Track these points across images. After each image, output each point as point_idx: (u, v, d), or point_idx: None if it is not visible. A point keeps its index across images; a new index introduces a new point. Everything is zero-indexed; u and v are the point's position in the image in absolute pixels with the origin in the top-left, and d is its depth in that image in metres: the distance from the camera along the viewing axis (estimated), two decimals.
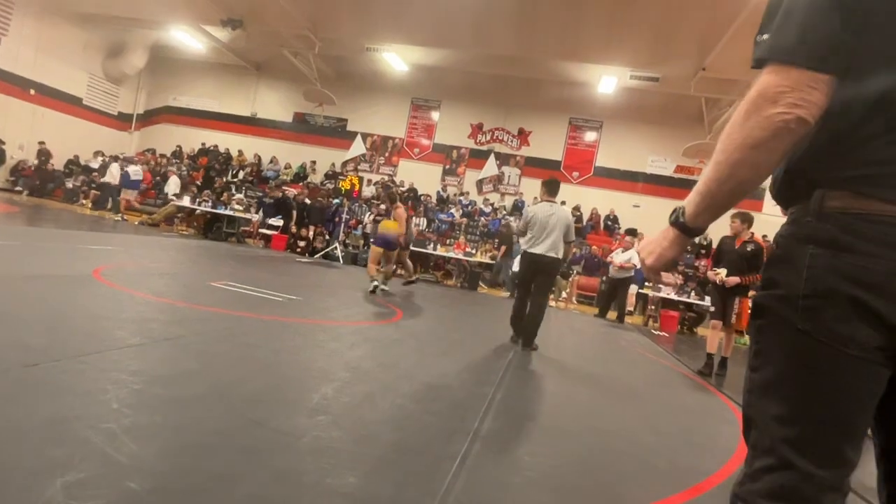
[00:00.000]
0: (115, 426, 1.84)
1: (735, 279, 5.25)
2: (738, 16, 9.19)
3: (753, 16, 9.09)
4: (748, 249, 5.26)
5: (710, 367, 5.45)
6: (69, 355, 2.51)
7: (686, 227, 1.03)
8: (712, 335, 5.61)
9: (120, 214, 12.76)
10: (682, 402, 4.43)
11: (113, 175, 13.58)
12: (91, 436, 1.74)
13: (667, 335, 9.58)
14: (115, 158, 14.40)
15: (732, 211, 15.43)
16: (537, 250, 5.04)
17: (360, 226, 14.04)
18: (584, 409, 3.58)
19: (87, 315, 3.46)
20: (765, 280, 0.97)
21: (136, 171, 13.43)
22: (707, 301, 10.57)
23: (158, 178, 16.26)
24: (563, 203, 15.41)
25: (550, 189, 5.31)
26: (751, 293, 5.29)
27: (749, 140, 0.85)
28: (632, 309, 11.86)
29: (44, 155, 15.06)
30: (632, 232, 14.50)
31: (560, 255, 5.10)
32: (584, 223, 15.32)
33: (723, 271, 5.32)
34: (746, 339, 10.35)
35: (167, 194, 13.93)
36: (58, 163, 15.72)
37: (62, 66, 16.03)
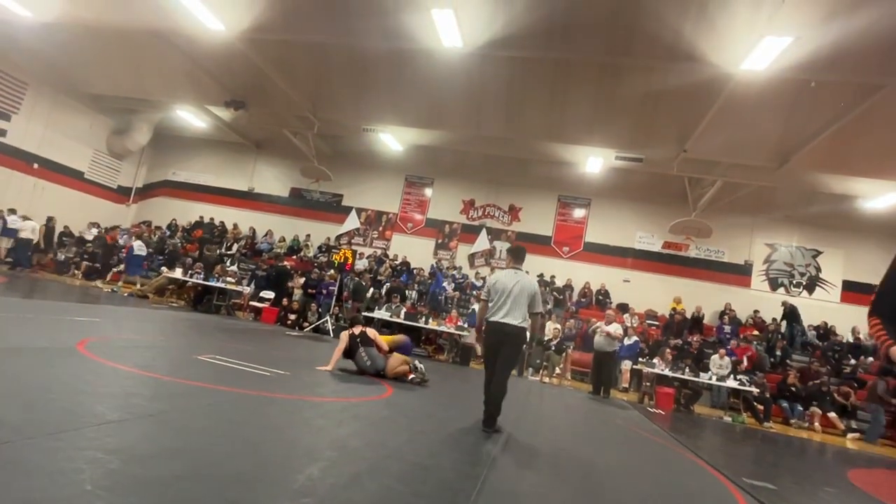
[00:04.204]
0: None
1: None
2: (714, 103, 9.81)
3: (728, 103, 9.73)
4: None
5: None
6: (44, 432, 2.42)
7: None
8: None
9: (112, 287, 12.63)
10: (680, 483, 4.26)
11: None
12: None
13: (663, 412, 9.34)
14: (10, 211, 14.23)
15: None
16: (499, 318, 4.65)
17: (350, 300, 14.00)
18: (579, 491, 3.43)
19: (68, 389, 3.35)
20: None
21: (13, 221, 13.98)
22: (705, 377, 10.42)
23: (151, 249, 16.33)
24: (552, 276, 15.61)
25: (516, 256, 5.06)
26: None
27: None
28: (626, 385, 11.64)
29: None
30: (623, 307, 14.58)
31: (525, 325, 4.68)
32: (577, 298, 15.40)
33: None
34: (744, 416, 10.11)
35: (27, 241, 13.93)
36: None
37: (68, 143, 16.56)
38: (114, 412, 2.94)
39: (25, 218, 14.04)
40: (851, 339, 13.43)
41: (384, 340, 6.91)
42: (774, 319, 14.03)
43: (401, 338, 7.22)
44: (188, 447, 2.67)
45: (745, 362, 11.55)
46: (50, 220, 15.18)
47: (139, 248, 13.93)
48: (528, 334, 4.95)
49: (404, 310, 12.50)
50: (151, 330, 7.55)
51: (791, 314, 14.09)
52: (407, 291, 14.56)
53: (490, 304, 4.76)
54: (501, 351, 4.67)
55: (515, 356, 4.85)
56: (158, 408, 3.29)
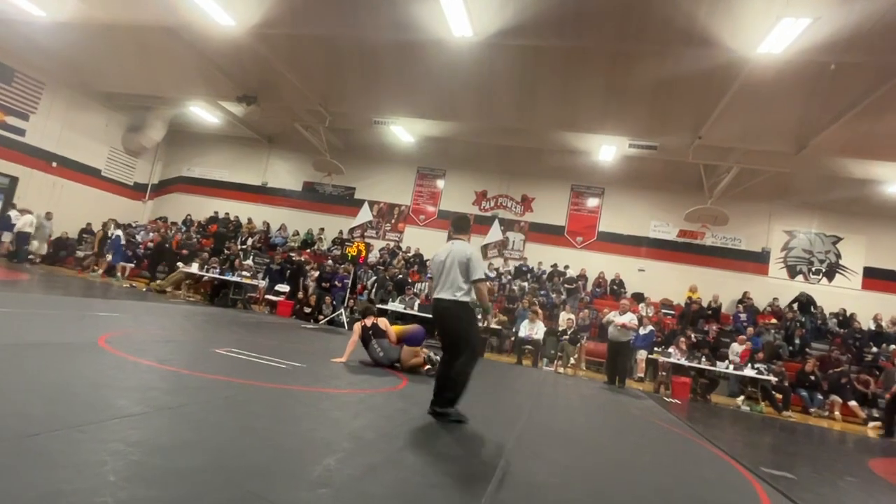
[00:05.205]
0: (110, 500, 1.79)
1: None
2: (730, 89, 9.62)
3: (744, 88, 9.54)
4: None
5: None
6: (69, 425, 2.48)
7: None
8: None
9: (131, 282, 12.83)
10: (697, 472, 4.24)
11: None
12: None
13: (679, 402, 9.29)
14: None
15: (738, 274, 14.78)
16: (435, 294, 4.36)
17: (366, 291, 14.10)
18: (595, 481, 3.43)
19: (90, 383, 3.43)
20: None
21: (14, 216, 14.13)
22: (722, 366, 10.32)
23: (167, 244, 16.55)
24: (566, 266, 15.53)
25: (456, 227, 4.66)
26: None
27: None
28: (642, 375, 11.58)
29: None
30: (638, 296, 14.46)
31: (460, 298, 4.21)
32: (591, 288, 15.31)
33: None
34: (762, 406, 10.01)
35: (25, 234, 14.06)
36: (72, 231, 16.14)
37: (85, 141, 16.82)
38: (135, 405, 3.00)
39: (24, 212, 14.27)
40: (873, 327, 13.19)
41: (396, 330, 6.94)
42: (791, 307, 13.83)
43: (413, 327, 7.22)
44: (207, 439, 2.72)
45: (760, 353, 11.42)
46: (105, 224, 15.36)
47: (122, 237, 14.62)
48: (475, 307, 4.49)
49: (418, 301, 12.55)
50: (170, 324, 7.67)
51: (807, 303, 13.87)
52: (418, 285, 14.59)
53: (433, 283, 4.49)
54: (445, 332, 4.41)
55: (458, 334, 4.31)
56: (178, 401, 3.35)
